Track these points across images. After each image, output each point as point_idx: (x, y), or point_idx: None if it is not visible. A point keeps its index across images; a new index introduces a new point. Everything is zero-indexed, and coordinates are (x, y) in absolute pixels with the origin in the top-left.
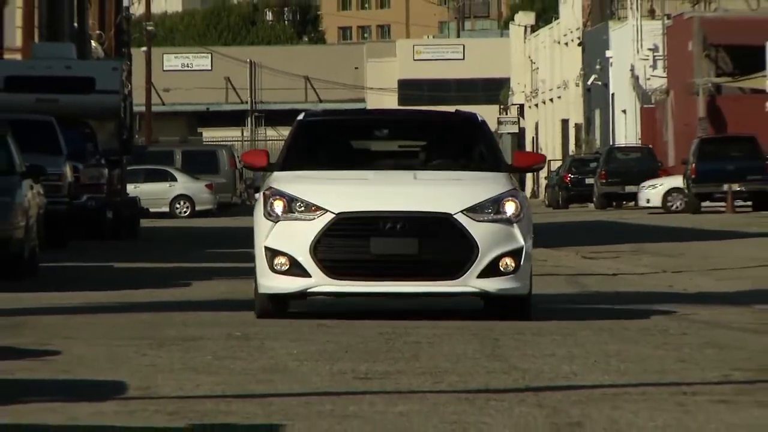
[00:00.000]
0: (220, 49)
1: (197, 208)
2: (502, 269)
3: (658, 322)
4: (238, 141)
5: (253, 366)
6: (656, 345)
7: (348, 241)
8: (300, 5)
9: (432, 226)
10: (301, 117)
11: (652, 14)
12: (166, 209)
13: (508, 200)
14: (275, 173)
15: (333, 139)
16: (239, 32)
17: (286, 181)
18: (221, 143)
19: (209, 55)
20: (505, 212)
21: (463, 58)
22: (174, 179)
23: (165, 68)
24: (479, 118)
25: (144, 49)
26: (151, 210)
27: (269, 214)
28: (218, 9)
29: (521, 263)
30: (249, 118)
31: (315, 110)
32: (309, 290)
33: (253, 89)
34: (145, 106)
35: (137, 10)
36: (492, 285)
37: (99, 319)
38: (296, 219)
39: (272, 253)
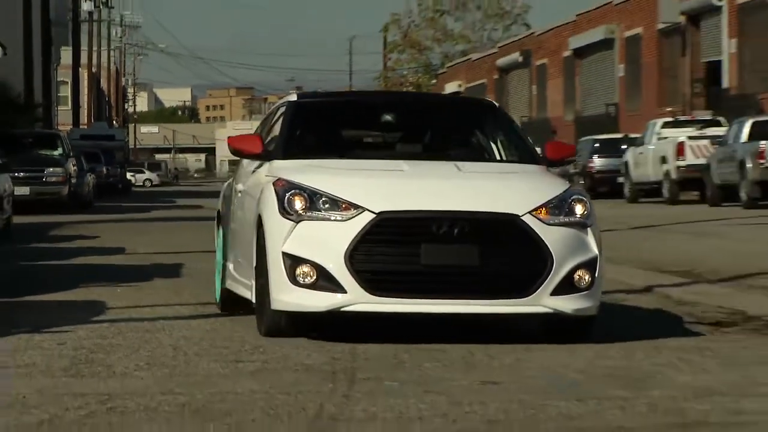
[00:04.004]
0: (164, 125)
1: (153, 183)
2: (576, 284)
3: None
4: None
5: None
6: None
7: (393, 249)
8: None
9: (496, 230)
10: (293, 98)
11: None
12: (141, 183)
13: (577, 199)
14: (276, 162)
15: (337, 125)
16: (171, 118)
17: (299, 172)
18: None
19: (157, 127)
20: (575, 213)
21: None
22: (143, 172)
23: (142, 132)
24: (498, 104)
25: (132, 124)
26: (135, 184)
27: (287, 212)
28: (166, 110)
29: (596, 276)
30: (172, 152)
31: (308, 92)
32: (343, 308)
33: (173, 142)
34: (133, 146)
35: (131, 108)
36: (567, 304)
37: (115, 225)
38: (324, 219)
39: (293, 261)
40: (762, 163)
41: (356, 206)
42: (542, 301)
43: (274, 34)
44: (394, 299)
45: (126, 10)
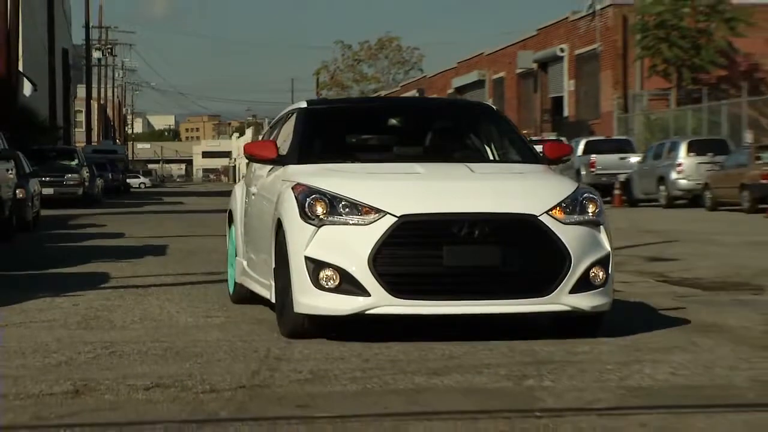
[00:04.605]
0: (155, 143)
1: (146, 186)
2: (592, 281)
3: None
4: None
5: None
6: None
7: (415, 251)
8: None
9: (516, 230)
10: (303, 105)
11: None
12: (137, 186)
13: (589, 198)
14: (291, 167)
15: (346, 129)
16: (159, 137)
17: (316, 176)
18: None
19: (149, 144)
20: (588, 212)
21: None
22: (139, 177)
23: (138, 148)
24: (496, 107)
25: (130, 142)
26: (133, 187)
27: (308, 217)
28: (156, 132)
29: (609, 273)
30: (160, 163)
31: (316, 99)
32: (367, 311)
33: (161, 156)
34: (131, 158)
35: (130, 130)
36: (585, 302)
37: (118, 216)
38: (345, 223)
39: (316, 265)
40: (593, 171)
41: (377, 210)
42: (562, 300)
43: (236, 76)
44: (418, 301)
45: (126, 58)
